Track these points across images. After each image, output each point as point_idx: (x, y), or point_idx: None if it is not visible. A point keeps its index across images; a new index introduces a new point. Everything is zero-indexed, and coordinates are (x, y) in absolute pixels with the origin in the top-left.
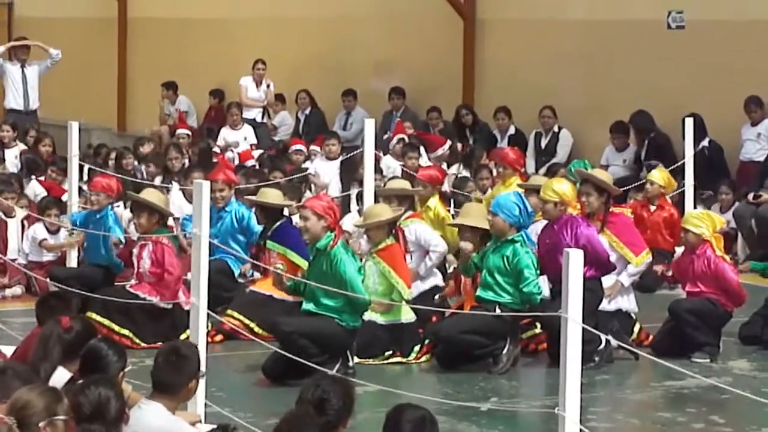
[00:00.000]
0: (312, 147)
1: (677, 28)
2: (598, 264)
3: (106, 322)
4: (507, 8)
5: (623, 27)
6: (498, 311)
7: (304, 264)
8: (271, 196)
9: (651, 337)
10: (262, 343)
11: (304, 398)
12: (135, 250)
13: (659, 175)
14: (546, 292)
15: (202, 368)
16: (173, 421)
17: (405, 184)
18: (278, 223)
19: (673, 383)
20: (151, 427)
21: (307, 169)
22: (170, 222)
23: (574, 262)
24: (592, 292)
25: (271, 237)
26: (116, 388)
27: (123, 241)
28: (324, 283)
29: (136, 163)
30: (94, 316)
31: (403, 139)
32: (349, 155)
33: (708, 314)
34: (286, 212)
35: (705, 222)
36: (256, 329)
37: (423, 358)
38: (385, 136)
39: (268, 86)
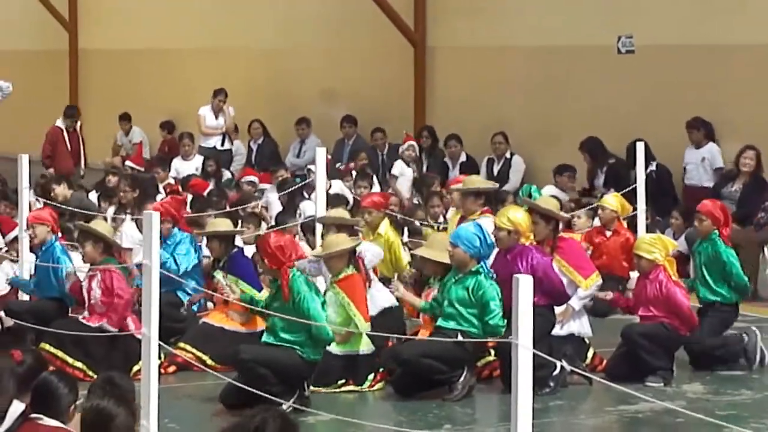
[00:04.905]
0: (261, 184)
1: (627, 53)
2: (552, 294)
3: (60, 354)
4: (457, 36)
5: (573, 52)
6: (460, 337)
7: (255, 293)
8: (221, 225)
9: (605, 362)
10: (215, 374)
11: (242, 425)
12: (84, 283)
13: (612, 201)
14: None
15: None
16: None
17: (343, 213)
18: (231, 254)
19: (628, 408)
20: None
21: (257, 198)
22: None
23: (524, 289)
24: (544, 317)
25: (223, 267)
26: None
27: (74, 272)
28: (286, 315)
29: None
30: (47, 347)
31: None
32: (292, 187)
33: (661, 338)
34: (239, 242)
35: (657, 247)
36: (209, 362)
37: (377, 386)
38: (338, 165)
39: (224, 112)
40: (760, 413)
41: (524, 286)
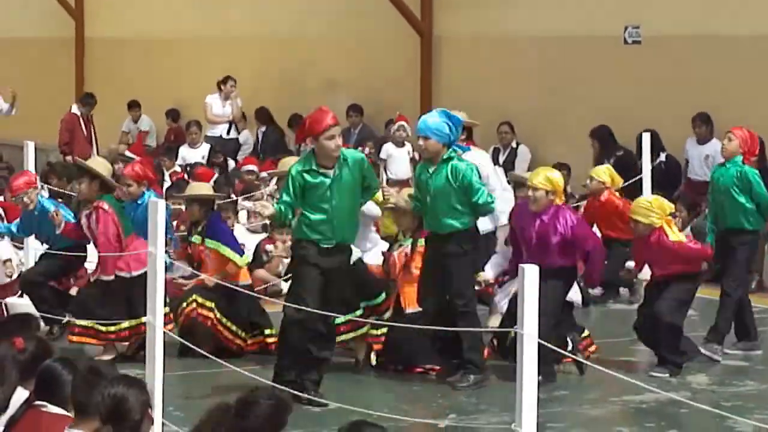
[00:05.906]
0: (262, 173)
1: (634, 43)
2: (597, 249)
3: (88, 323)
4: (464, 25)
5: (580, 42)
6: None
7: (237, 258)
8: (202, 189)
9: (594, 347)
10: (219, 361)
11: (225, 405)
12: (83, 222)
13: (601, 171)
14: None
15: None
16: None
17: None
18: (209, 218)
19: (632, 398)
20: None
21: (258, 187)
22: None
23: (530, 278)
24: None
25: (202, 233)
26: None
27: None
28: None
29: None
30: (74, 321)
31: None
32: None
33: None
34: (244, 233)
35: (654, 210)
36: (208, 304)
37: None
38: None
39: (230, 100)
40: (764, 404)
41: (530, 275)
